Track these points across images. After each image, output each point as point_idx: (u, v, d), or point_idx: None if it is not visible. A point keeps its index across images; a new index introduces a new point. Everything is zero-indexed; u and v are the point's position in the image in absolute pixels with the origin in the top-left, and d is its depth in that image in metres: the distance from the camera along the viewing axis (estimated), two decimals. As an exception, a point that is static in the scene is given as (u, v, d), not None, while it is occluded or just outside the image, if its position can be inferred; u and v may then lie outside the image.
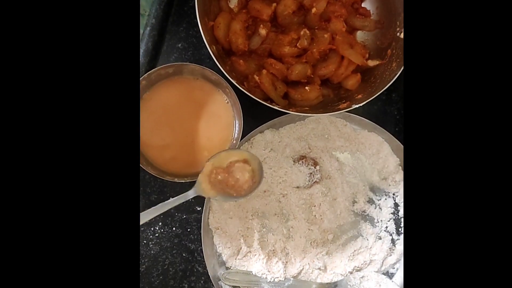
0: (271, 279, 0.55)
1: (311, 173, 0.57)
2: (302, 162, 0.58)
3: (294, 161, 0.58)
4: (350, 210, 0.58)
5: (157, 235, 0.58)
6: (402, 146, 0.58)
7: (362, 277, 0.57)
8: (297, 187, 0.57)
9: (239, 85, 0.50)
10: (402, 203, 0.59)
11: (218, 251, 0.56)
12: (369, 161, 0.60)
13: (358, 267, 0.57)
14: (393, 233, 0.59)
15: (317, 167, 0.58)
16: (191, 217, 0.58)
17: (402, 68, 0.52)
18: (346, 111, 0.52)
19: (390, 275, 0.58)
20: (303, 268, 0.56)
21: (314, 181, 0.57)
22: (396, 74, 0.52)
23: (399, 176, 0.59)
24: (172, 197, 0.47)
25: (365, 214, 0.59)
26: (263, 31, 0.56)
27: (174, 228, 0.58)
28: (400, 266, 0.58)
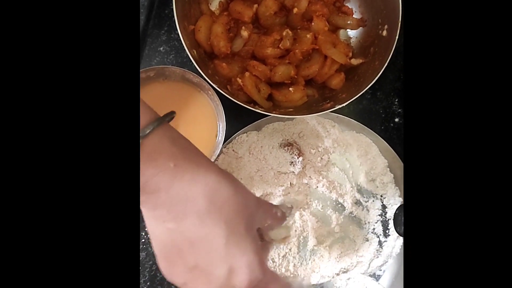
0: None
1: (292, 162, 0.56)
2: (287, 148, 0.56)
3: (280, 145, 0.57)
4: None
5: (143, 240, 0.58)
6: (390, 147, 0.57)
7: (348, 279, 0.56)
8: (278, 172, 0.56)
9: (222, 90, 0.50)
10: (390, 205, 0.58)
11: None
12: (357, 162, 0.59)
13: (344, 269, 0.56)
14: (380, 235, 0.57)
15: (300, 159, 0.56)
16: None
17: (385, 66, 0.51)
18: (330, 111, 0.52)
19: (376, 277, 0.57)
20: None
21: (291, 171, 0.56)
22: (379, 72, 0.51)
23: (387, 177, 0.58)
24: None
25: (352, 215, 0.58)
26: (245, 33, 0.56)
27: (160, 231, 0.58)
28: (387, 268, 0.57)
